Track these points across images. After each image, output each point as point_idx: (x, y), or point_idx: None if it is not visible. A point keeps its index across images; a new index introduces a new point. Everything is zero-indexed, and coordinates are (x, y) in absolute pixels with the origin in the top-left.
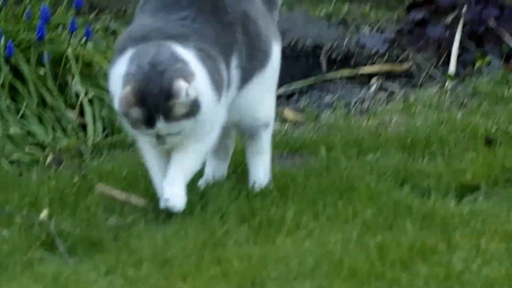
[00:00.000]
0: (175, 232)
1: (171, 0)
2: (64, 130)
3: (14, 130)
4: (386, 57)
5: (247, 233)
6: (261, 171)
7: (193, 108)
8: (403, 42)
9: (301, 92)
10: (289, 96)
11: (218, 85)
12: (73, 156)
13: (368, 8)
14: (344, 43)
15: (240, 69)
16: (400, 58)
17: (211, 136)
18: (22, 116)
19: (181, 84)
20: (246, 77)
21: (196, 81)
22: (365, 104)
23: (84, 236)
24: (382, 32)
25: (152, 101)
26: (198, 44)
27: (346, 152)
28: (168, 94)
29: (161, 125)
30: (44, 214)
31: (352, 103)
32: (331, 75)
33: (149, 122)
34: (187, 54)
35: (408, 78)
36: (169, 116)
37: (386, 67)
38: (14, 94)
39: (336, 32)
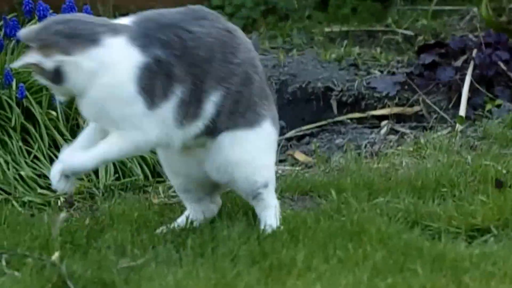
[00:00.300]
0: (186, 273)
1: (194, 14)
2: None
3: (26, 172)
4: (396, 99)
5: (258, 275)
6: (271, 219)
7: (54, 77)
8: (414, 85)
9: (312, 134)
10: (300, 138)
11: (150, 91)
12: (85, 198)
13: (379, 51)
14: (355, 86)
15: (218, 110)
16: (410, 101)
17: (133, 133)
18: (34, 158)
19: (29, 55)
20: (226, 123)
21: (61, 56)
22: (376, 147)
23: (95, 278)
24: (392, 75)
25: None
26: (158, 52)
27: (356, 195)
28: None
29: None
30: (55, 256)
31: (363, 146)
32: (341, 117)
33: None
34: (119, 45)
35: (419, 120)
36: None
37: (396, 110)
38: (26, 136)
39: (347, 75)
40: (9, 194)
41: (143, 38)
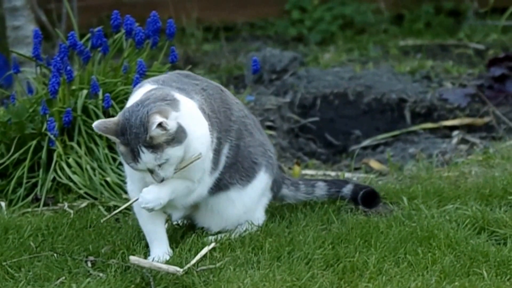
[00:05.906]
0: (263, 276)
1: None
2: None
3: (111, 178)
4: (467, 111)
5: (332, 278)
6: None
7: (177, 136)
8: (484, 96)
9: (386, 143)
10: (374, 147)
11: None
12: None
13: (451, 64)
14: (428, 98)
15: (226, 162)
16: (481, 112)
17: (196, 174)
18: (119, 165)
19: (155, 117)
20: (225, 183)
21: (176, 113)
22: (447, 156)
23: (177, 279)
24: (464, 87)
25: (132, 133)
26: (199, 101)
27: (426, 202)
28: (145, 127)
29: (145, 157)
30: (137, 258)
31: (435, 155)
32: (414, 128)
33: (133, 155)
34: (181, 96)
35: (488, 131)
36: (150, 145)
37: (467, 121)
38: (111, 144)
39: (420, 87)
40: (96, 199)
41: (184, 89)
